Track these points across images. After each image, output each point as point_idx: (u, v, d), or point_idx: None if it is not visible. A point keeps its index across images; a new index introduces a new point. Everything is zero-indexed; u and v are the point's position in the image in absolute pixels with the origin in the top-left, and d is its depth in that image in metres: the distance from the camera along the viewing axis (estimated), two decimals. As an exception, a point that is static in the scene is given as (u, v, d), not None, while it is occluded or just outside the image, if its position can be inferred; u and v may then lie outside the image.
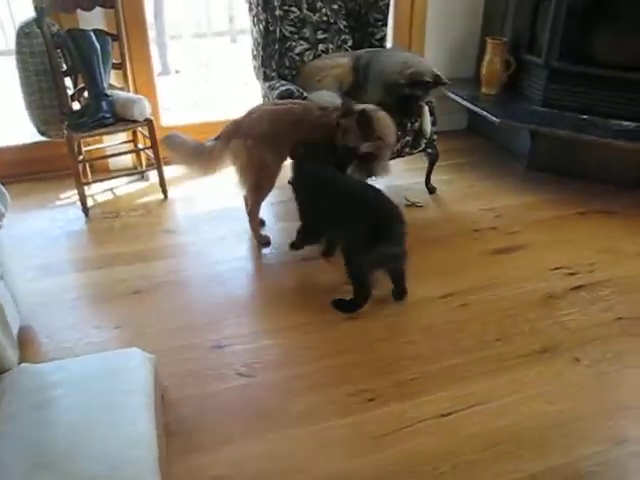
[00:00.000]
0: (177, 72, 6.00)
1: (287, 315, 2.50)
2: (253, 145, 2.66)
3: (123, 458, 1.54)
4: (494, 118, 3.48)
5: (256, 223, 2.96)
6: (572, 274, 2.74)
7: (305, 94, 2.98)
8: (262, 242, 2.95)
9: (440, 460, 1.84)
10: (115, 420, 1.67)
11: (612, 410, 2.03)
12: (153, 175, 3.50)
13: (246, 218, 3.05)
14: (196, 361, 2.23)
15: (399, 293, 2.55)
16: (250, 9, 3.21)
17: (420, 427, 1.95)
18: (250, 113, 2.76)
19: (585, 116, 3.46)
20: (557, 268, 2.79)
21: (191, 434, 1.95)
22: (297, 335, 2.37)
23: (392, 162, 3.21)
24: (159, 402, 1.94)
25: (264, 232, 3.02)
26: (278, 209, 3.32)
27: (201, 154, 2.76)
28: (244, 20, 3.36)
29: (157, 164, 3.34)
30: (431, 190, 3.41)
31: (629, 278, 2.71)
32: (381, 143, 2.66)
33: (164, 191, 3.42)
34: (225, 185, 3.56)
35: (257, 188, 2.81)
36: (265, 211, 3.30)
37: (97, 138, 3.43)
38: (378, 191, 2.48)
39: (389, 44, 3.78)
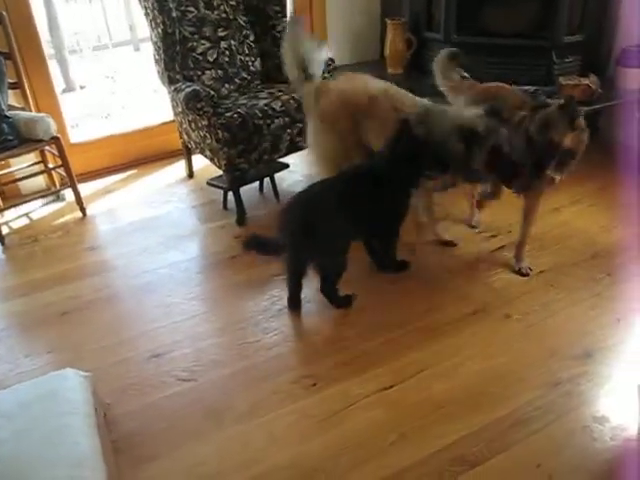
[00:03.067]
0: (82, 87, 5.81)
1: (220, 315, 2.48)
2: None
3: (70, 481, 1.50)
4: (403, 96, 3.56)
5: None
6: (493, 236, 2.85)
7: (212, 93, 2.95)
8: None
9: (388, 431, 1.88)
10: (56, 444, 1.61)
11: (544, 357, 2.14)
12: (69, 194, 3.39)
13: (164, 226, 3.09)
14: (135, 374, 2.18)
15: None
16: (146, 13, 3.15)
17: (365, 403, 1.99)
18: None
19: (488, 85, 3.60)
20: (479, 232, 2.90)
21: (140, 447, 1.91)
22: (232, 332, 2.36)
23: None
24: (101, 420, 1.88)
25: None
26: (201, 211, 3.29)
27: None
28: (145, 27, 3.28)
29: (71, 182, 3.23)
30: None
31: (545, 233, 2.85)
32: (583, 135, 2.26)
33: (82, 209, 3.32)
34: (143, 196, 3.51)
35: None
36: (188, 213, 3.28)
37: (3, 163, 3.28)
38: (311, 193, 2.36)
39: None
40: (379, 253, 2.63)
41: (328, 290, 2.39)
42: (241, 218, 3.09)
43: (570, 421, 1.91)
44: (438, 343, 2.23)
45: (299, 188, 3.43)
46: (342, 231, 2.29)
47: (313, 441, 1.88)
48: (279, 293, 2.53)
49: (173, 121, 3.52)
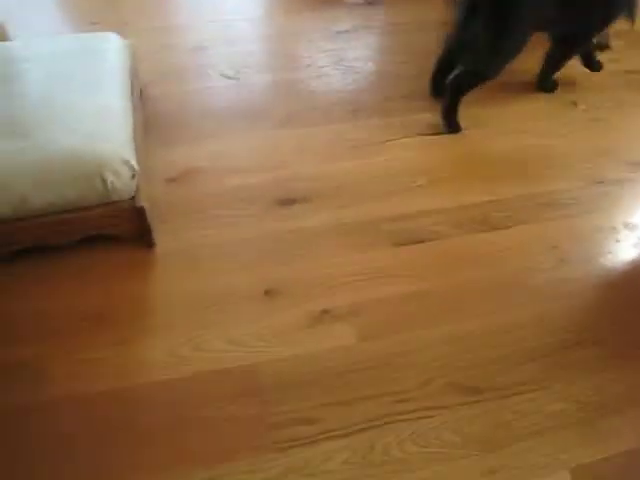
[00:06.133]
0: None
1: (274, 24, 2.34)
2: None
3: (98, 131, 1.49)
4: None
5: None
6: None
7: None
8: None
9: (418, 174, 1.85)
10: (89, 96, 1.59)
11: (597, 152, 2.02)
12: None
13: None
14: (178, 60, 2.11)
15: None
16: None
17: (404, 142, 1.93)
18: None
19: None
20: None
21: (170, 129, 1.91)
22: (284, 41, 2.25)
23: None
24: (137, 93, 1.84)
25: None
26: None
27: None
28: None
29: None
30: None
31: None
32: None
33: None
34: None
35: None
36: None
37: None
38: None
39: None
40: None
41: (455, 91, 2.00)
42: None
43: (600, 218, 1.85)
44: (502, 107, 2.11)
45: None
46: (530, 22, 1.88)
47: (345, 162, 1.85)
48: (341, 16, 2.33)
49: None
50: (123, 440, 1.25)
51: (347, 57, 2.21)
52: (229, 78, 2.05)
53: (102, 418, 1.28)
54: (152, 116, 1.92)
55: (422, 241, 1.67)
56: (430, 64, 2.11)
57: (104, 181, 1.41)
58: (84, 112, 1.53)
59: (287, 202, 1.71)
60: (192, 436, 1.26)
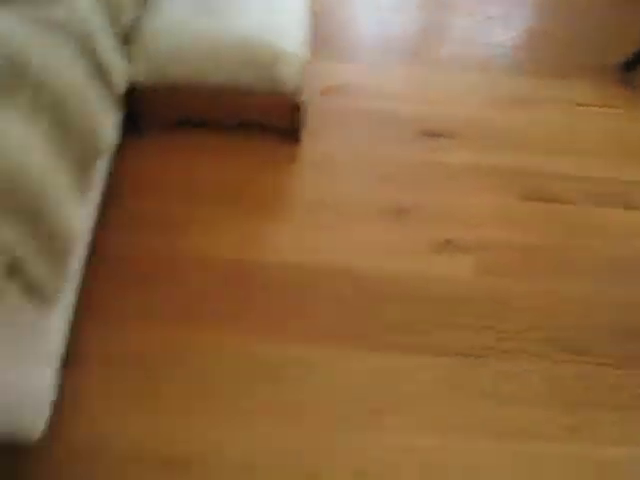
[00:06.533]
0: None
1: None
2: None
3: (280, 26, 1.59)
4: None
5: None
6: None
7: None
8: None
9: (566, 140, 1.83)
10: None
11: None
12: None
13: None
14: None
15: None
16: None
17: (559, 106, 1.91)
18: None
19: None
20: None
21: (331, 46, 2.01)
22: None
23: None
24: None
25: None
26: None
27: None
28: None
29: None
30: None
31: None
32: None
33: None
34: None
35: None
36: None
37: None
38: None
39: None
40: None
41: None
42: None
43: None
44: None
45: None
46: None
47: (492, 111, 1.87)
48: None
49: None
50: (230, 303, 1.38)
51: (513, 14, 2.19)
52: (392, 12, 2.09)
53: (224, 281, 1.41)
54: (316, 32, 1.99)
55: (555, 201, 1.67)
56: (602, 37, 2.06)
57: (276, 71, 1.51)
58: (269, 8, 1.64)
59: (433, 134, 1.76)
60: (295, 317, 1.36)
